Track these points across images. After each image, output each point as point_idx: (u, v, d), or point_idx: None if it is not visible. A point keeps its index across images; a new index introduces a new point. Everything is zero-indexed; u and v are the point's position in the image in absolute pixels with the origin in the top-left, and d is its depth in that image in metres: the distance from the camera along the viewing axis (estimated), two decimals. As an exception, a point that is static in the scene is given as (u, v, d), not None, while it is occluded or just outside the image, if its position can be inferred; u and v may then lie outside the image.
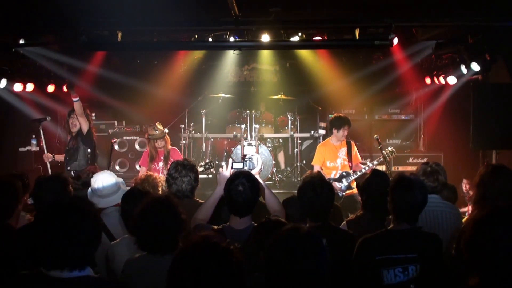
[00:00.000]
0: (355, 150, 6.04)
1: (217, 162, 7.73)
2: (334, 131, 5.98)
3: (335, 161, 5.95)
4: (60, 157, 6.03)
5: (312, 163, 6.18)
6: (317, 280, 1.79)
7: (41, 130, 6.17)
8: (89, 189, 3.65)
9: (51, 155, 5.96)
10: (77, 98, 5.79)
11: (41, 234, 1.89)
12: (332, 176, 5.81)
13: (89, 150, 5.85)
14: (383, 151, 5.86)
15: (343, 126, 5.91)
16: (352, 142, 6.11)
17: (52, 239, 1.85)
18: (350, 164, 5.90)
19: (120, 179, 3.82)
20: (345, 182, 5.70)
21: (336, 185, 5.68)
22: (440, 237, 2.79)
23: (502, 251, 1.65)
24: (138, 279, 2.46)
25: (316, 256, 1.80)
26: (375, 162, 5.81)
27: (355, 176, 5.71)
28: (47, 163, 5.97)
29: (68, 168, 5.82)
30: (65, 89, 5.81)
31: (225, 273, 1.60)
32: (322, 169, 5.89)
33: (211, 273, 1.59)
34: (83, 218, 1.90)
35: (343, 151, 5.96)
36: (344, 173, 5.77)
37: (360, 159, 6.08)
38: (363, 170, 5.73)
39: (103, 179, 3.61)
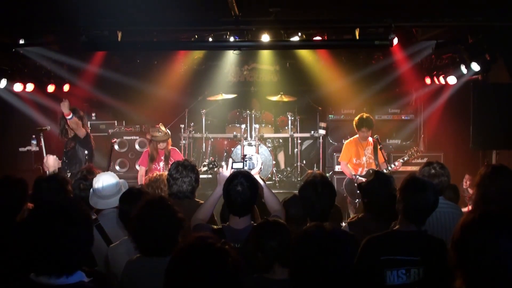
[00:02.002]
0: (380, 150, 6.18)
1: (217, 162, 7.74)
2: (356, 131, 6.24)
3: (361, 159, 6.22)
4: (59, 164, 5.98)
5: (339, 160, 6.52)
6: (343, 276, 1.81)
7: (42, 140, 6.12)
8: (91, 190, 3.63)
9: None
10: (70, 116, 5.74)
11: (26, 238, 1.82)
12: (358, 173, 6.07)
13: (86, 152, 5.82)
14: (408, 151, 6.13)
15: (360, 128, 6.15)
16: (377, 141, 6.19)
17: (37, 243, 1.78)
18: (376, 162, 6.10)
19: (122, 181, 3.79)
20: None
21: (363, 181, 5.83)
22: (445, 242, 2.78)
23: (487, 256, 1.63)
24: (139, 280, 2.46)
25: (343, 252, 1.83)
26: (401, 161, 6.02)
27: None
28: (47, 171, 5.89)
29: (69, 172, 5.77)
30: (64, 109, 5.74)
31: (221, 273, 1.60)
32: (348, 166, 6.20)
33: (207, 273, 1.59)
34: (70, 222, 1.82)
35: (368, 150, 6.21)
36: (370, 171, 5.81)
37: (384, 158, 6.14)
38: (390, 169, 5.91)
39: (104, 180, 3.58)
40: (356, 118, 6.27)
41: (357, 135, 6.31)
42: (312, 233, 1.89)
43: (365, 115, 6.28)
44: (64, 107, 5.73)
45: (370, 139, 6.26)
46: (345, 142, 6.48)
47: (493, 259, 1.62)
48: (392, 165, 5.98)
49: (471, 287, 1.67)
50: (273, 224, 2.57)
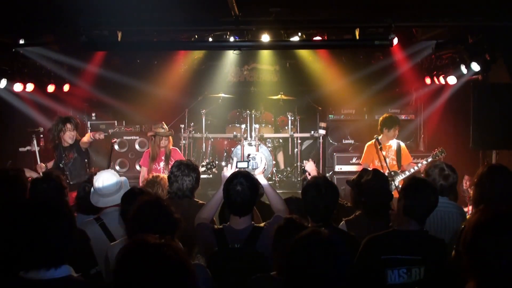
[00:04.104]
0: (405, 150, 6.02)
1: (217, 162, 7.75)
2: (385, 130, 5.93)
3: (384, 161, 5.85)
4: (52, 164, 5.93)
5: (361, 162, 6.20)
6: (339, 284, 1.78)
7: (35, 142, 6.01)
8: (92, 188, 3.66)
9: (44, 165, 5.77)
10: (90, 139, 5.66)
11: (11, 234, 1.87)
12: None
13: (86, 160, 5.72)
14: (433, 151, 5.85)
15: (394, 126, 5.90)
16: (401, 142, 6.04)
17: (23, 238, 1.84)
18: (398, 164, 5.84)
19: (123, 178, 3.82)
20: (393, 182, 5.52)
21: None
22: (446, 243, 2.81)
23: (503, 258, 1.63)
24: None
25: (337, 261, 1.79)
26: (424, 162, 5.70)
27: (403, 176, 5.60)
28: (40, 173, 5.62)
29: (71, 183, 5.51)
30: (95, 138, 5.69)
31: (161, 267, 1.60)
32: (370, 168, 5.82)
33: (146, 270, 1.60)
34: (54, 216, 1.88)
35: (391, 151, 5.94)
36: (392, 173, 5.58)
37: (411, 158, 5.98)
38: (412, 170, 5.67)
39: (104, 178, 3.62)
40: (385, 116, 6.00)
41: (380, 137, 5.93)
42: (304, 241, 1.86)
43: (391, 114, 6.13)
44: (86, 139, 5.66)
45: (393, 141, 5.98)
46: (367, 144, 6.13)
47: (509, 261, 1.62)
48: (416, 167, 5.70)
49: None
50: (300, 225, 2.54)
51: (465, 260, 1.72)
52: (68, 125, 5.64)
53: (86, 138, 5.75)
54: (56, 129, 5.64)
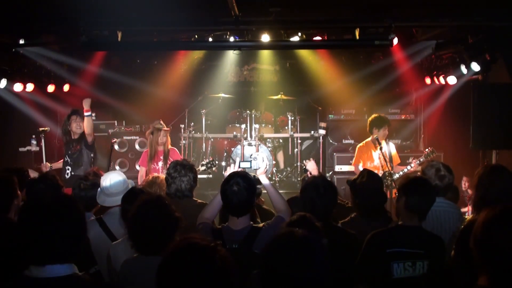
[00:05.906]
0: (394, 151, 6.13)
1: (217, 162, 7.75)
2: (375, 130, 6.03)
3: (375, 162, 6.01)
4: (58, 165, 5.94)
5: (353, 164, 6.31)
6: (314, 286, 1.73)
7: (42, 140, 6.10)
8: (99, 188, 3.70)
9: (49, 165, 5.84)
10: (89, 113, 5.68)
11: (22, 231, 1.89)
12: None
13: (92, 154, 5.80)
14: (424, 152, 5.93)
15: (383, 125, 6.02)
16: (392, 144, 6.16)
17: (32, 234, 1.84)
18: (391, 164, 5.83)
19: (130, 180, 3.88)
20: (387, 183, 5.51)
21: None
22: (443, 240, 2.85)
23: None
24: (135, 280, 2.46)
25: (312, 262, 1.73)
26: (417, 162, 5.81)
27: (397, 176, 5.64)
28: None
29: (73, 173, 5.70)
30: (85, 105, 5.69)
31: (209, 270, 1.60)
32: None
33: (195, 272, 1.59)
34: (64, 214, 1.88)
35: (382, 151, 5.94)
36: (386, 173, 5.53)
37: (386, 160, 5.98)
38: (405, 170, 5.76)
39: (111, 178, 3.67)
40: (374, 116, 6.10)
41: (369, 138, 6.10)
42: (281, 241, 1.80)
43: (382, 114, 6.22)
44: (86, 103, 5.68)
45: (383, 143, 6.01)
46: (358, 146, 6.28)
47: None
48: (408, 167, 5.80)
49: (497, 284, 1.68)
50: (311, 223, 2.52)
51: (476, 255, 1.74)
52: (73, 116, 5.76)
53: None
54: (65, 125, 5.80)
